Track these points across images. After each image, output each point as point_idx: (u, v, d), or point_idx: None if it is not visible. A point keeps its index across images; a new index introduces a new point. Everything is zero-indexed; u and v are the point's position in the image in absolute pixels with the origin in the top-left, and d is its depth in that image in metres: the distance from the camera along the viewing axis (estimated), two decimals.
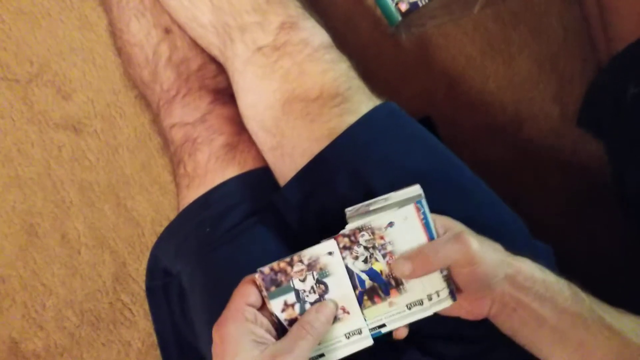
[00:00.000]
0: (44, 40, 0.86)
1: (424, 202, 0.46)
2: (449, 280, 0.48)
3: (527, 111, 0.88)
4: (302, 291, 0.47)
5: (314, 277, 0.47)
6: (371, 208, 0.49)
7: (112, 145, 0.87)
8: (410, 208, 0.46)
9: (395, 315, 0.48)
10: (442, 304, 0.48)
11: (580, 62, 0.88)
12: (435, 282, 0.48)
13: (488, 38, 0.88)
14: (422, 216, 0.46)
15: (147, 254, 0.77)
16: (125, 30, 0.73)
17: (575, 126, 0.86)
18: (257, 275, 0.46)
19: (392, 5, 0.80)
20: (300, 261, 0.47)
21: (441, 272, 0.47)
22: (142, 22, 0.71)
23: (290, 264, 0.47)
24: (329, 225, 0.51)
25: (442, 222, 0.49)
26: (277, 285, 0.46)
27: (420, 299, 0.48)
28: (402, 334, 0.49)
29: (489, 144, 0.87)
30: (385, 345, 0.51)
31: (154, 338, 0.86)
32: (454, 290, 0.48)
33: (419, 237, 0.47)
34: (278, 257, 0.48)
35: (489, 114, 0.88)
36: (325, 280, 0.47)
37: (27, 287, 0.86)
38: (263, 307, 0.47)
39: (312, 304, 0.47)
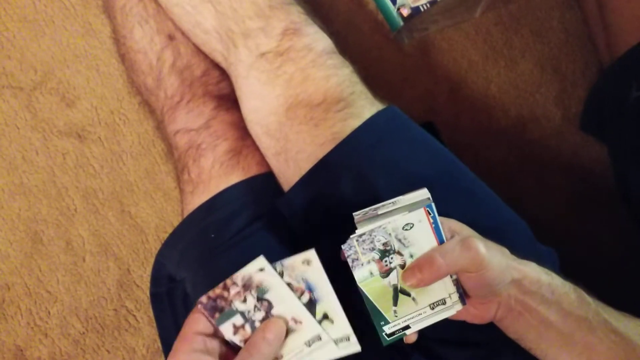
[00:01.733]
0: (48, 47, 0.86)
1: (433, 206, 0.46)
2: (458, 284, 0.48)
3: (529, 114, 0.88)
4: (247, 312, 0.47)
5: (253, 296, 0.47)
6: (379, 212, 0.49)
7: (115, 152, 0.87)
8: (421, 212, 0.46)
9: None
10: (452, 308, 0.48)
11: (582, 65, 0.88)
12: (445, 287, 0.48)
13: (490, 42, 0.88)
14: (432, 220, 0.46)
15: (151, 261, 0.77)
16: (128, 37, 0.73)
17: (577, 129, 0.86)
18: (199, 306, 0.46)
19: (394, 10, 0.81)
20: (234, 284, 0.46)
21: (450, 276, 0.48)
22: (146, 28, 0.72)
23: (226, 289, 0.46)
24: (334, 229, 0.51)
25: (449, 226, 0.49)
26: (219, 311, 0.46)
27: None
28: (412, 338, 0.49)
29: (491, 147, 0.87)
30: (391, 350, 0.51)
31: (158, 344, 0.86)
32: (463, 294, 0.48)
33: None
34: None
35: (492, 117, 0.88)
36: (266, 296, 0.47)
37: (31, 295, 0.86)
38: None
39: (261, 321, 0.47)
